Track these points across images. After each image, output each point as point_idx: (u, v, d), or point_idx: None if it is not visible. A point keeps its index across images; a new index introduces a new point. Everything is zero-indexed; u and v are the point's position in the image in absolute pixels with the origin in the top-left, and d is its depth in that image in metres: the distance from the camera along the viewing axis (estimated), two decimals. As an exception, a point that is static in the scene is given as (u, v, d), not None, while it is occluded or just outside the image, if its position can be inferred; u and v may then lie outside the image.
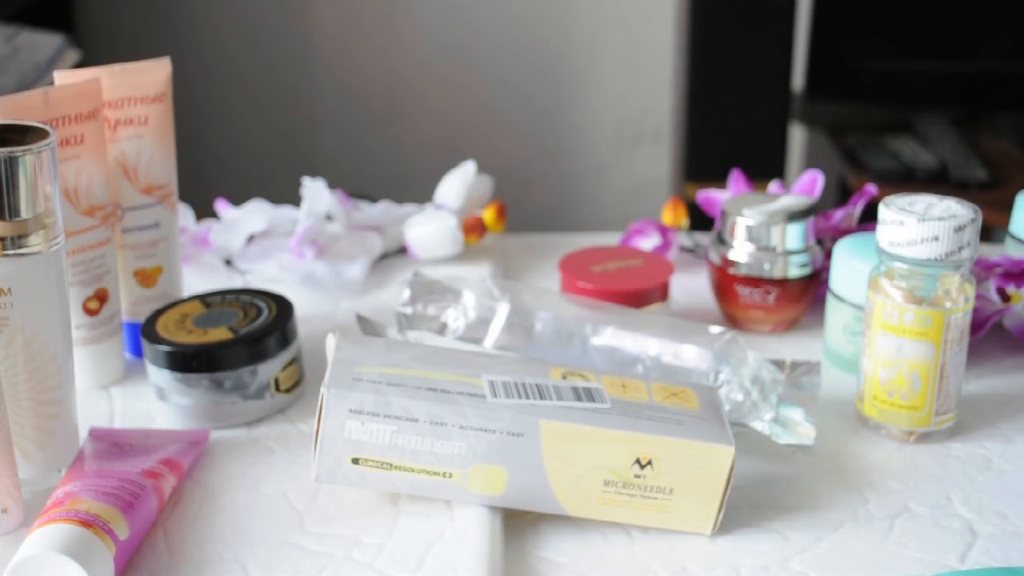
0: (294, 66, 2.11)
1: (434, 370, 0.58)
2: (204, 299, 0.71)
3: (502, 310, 0.69)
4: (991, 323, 0.73)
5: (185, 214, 0.88)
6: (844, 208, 0.82)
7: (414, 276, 0.73)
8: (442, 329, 0.70)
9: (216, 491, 0.60)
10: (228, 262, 0.86)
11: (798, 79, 1.90)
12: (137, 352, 0.73)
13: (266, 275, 0.84)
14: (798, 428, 0.63)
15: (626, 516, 0.57)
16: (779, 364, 0.68)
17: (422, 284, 0.72)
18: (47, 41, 1.49)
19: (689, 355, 0.67)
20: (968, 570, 0.54)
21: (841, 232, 0.80)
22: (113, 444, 0.61)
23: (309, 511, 0.59)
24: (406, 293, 0.72)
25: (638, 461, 0.55)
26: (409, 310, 0.71)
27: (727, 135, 1.89)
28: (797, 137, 1.99)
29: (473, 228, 0.89)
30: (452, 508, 0.58)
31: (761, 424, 0.63)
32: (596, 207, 2.17)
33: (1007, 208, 0.80)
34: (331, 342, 0.60)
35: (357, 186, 1.83)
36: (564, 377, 0.59)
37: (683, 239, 0.88)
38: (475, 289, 0.71)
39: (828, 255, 0.76)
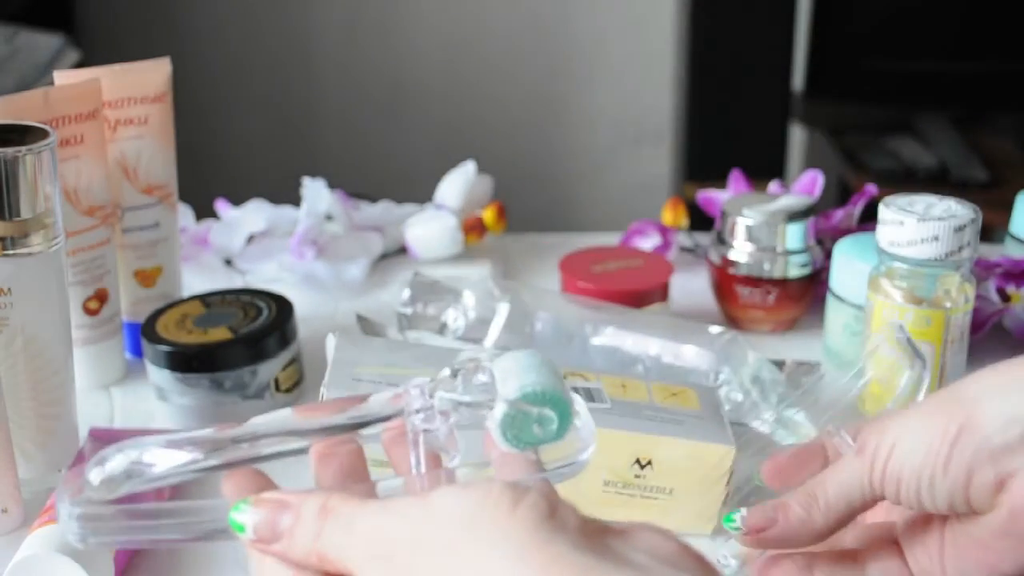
0: (294, 66, 2.11)
1: (434, 370, 0.57)
2: (204, 299, 0.70)
3: (502, 310, 0.69)
4: (991, 323, 0.73)
5: (185, 214, 0.88)
6: (844, 208, 0.82)
7: (414, 276, 0.73)
8: (442, 329, 0.70)
9: (216, 491, 0.60)
10: (228, 262, 0.86)
11: (798, 79, 1.90)
12: (137, 352, 0.73)
13: (266, 275, 0.84)
14: (799, 428, 0.63)
15: (626, 516, 0.56)
16: (779, 364, 0.68)
17: (422, 284, 0.72)
18: (47, 41, 1.49)
19: (689, 355, 0.67)
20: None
21: (841, 232, 0.80)
22: (113, 444, 0.61)
23: (309, 511, 0.58)
24: (406, 293, 0.72)
25: (638, 461, 0.55)
26: (409, 310, 0.71)
27: (727, 135, 1.89)
28: (797, 137, 1.99)
29: (473, 228, 0.89)
30: (452, 508, 0.58)
31: (761, 424, 0.63)
32: (596, 207, 2.17)
33: (1007, 208, 0.80)
34: (331, 342, 0.60)
35: (357, 186, 1.83)
36: (564, 377, 0.59)
37: (683, 239, 0.88)
38: (475, 289, 0.71)
39: (828, 255, 0.76)
